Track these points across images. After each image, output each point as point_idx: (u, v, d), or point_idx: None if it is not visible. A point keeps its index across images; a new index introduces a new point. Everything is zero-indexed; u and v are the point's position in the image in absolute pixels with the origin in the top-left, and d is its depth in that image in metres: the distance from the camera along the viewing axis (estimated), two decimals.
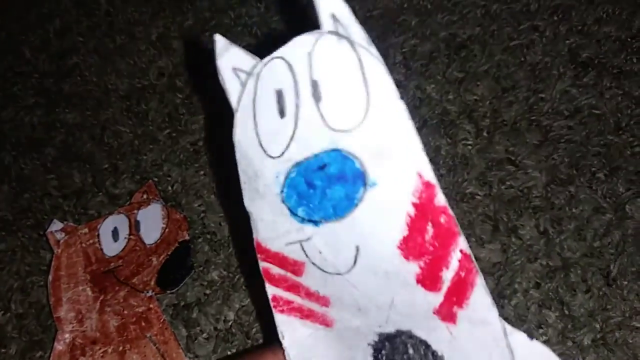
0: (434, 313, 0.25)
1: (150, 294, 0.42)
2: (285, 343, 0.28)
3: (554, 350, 0.37)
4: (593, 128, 0.42)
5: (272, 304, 0.28)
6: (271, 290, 0.28)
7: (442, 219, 0.23)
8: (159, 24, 0.53)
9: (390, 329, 0.26)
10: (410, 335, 0.26)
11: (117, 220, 0.45)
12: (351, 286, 0.26)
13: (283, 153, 0.25)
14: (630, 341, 0.36)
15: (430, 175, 0.23)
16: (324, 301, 0.27)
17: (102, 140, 0.49)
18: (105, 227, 0.44)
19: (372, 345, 0.27)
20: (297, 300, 0.27)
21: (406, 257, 0.24)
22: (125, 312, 0.41)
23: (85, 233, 0.44)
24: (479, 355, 0.25)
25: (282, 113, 0.25)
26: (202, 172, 0.46)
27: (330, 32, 0.24)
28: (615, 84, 0.43)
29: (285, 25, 0.51)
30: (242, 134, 0.26)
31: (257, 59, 0.26)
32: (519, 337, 0.25)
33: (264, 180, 0.26)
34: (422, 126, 0.44)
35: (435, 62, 0.46)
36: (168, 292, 0.42)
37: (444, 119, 0.44)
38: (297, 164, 0.25)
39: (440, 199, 0.23)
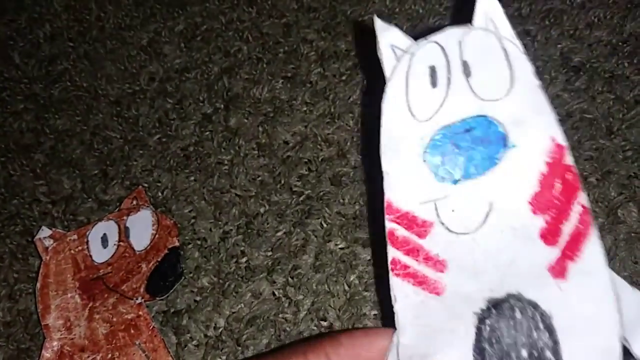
0: (548, 270, 0.27)
1: (139, 300, 0.41)
2: (396, 307, 0.29)
3: None
4: (585, 132, 0.42)
5: (390, 266, 0.29)
6: (392, 252, 0.29)
7: (569, 176, 0.27)
8: (149, 28, 0.53)
9: (501, 293, 0.27)
10: (519, 298, 0.27)
11: (106, 227, 0.44)
12: (475, 246, 0.28)
13: (431, 117, 0.29)
14: None
15: (561, 139, 0.28)
16: (440, 266, 0.29)
17: (92, 146, 0.48)
18: (95, 234, 0.44)
19: (477, 314, 0.28)
20: (414, 265, 0.29)
21: (534, 212, 0.28)
22: (114, 319, 0.41)
23: (74, 240, 0.44)
24: (588, 308, 0.26)
25: (434, 84, 0.30)
26: (192, 178, 0.46)
27: (479, 27, 0.30)
28: (606, 88, 0.43)
29: (280, 29, 0.50)
30: (392, 100, 0.30)
31: (413, 40, 0.31)
32: (622, 285, 0.27)
33: (407, 142, 0.30)
34: None
35: None
36: (158, 298, 0.42)
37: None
38: (444, 127, 0.29)
39: (569, 159, 0.28)
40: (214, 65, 0.50)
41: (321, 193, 0.43)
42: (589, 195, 0.40)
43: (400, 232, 0.30)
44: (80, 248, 0.44)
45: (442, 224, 0.29)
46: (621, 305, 0.26)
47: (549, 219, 0.27)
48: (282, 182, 0.44)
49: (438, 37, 0.30)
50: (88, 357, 0.40)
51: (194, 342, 0.41)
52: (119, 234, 0.44)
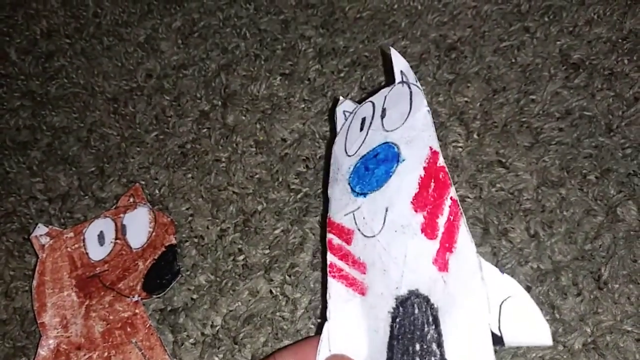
0: (433, 263, 0.31)
1: (136, 298, 0.41)
2: (329, 302, 0.34)
3: (544, 355, 0.36)
4: (584, 130, 0.42)
5: (328, 269, 0.36)
6: (330, 257, 0.36)
7: (441, 176, 0.33)
8: (146, 25, 0.52)
9: (404, 290, 0.32)
10: (417, 295, 0.31)
11: (103, 224, 0.44)
12: (380, 246, 0.33)
13: (356, 151, 0.38)
14: (622, 345, 0.36)
15: (436, 146, 0.34)
16: (363, 268, 0.34)
17: (89, 143, 0.48)
18: (91, 231, 0.44)
19: (390, 313, 0.32)
20: (346, 268, 0.35)
21: (415, 210, 0.33)
22: (111, 317, 0.41)
23: (70, 237, 0.44)
24: (461, 293, 0.30)
25: (361, 129, 0.39)
26: (189, 175, 0.46)
27: (399, 82, 0.38)
28: (606, 86, 0.43)
29: (276, 26, 0.50)
30: (337, 144, 0.40)
31: (357, 104, 0.41)
32: (491, 270, 0.30)
33: (342, 171, 0.38)
34: None
35: (426, 63, 0.46)
36: (154, 296, 0.42)
37: (434, 121, 0.43)
38: (362, 157, 0.37)
39: (441, 162, 0.33)
40: (211, 62, 0.50)
41: (319, 191, 0.43)
42: (587, 193, 0.40)
43: (335, 240, 0.36)
44: (76, 246, 0.43)
45: (359, 230, 0.35)
46: (488, 290, 0.29)
47: (427, 214, 0.32)
48: (280, 179, 0.44)
49: (373, 97, 0.40)
50: (84, 355, 0.40)
51: (191, 341, 0.40)
52: (116, 231, 0.43)
